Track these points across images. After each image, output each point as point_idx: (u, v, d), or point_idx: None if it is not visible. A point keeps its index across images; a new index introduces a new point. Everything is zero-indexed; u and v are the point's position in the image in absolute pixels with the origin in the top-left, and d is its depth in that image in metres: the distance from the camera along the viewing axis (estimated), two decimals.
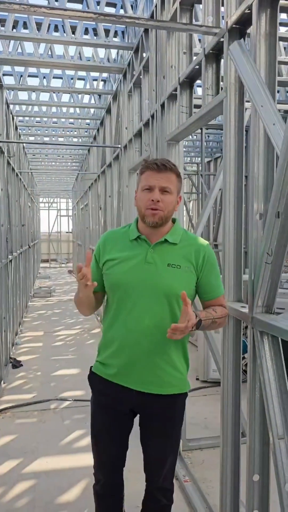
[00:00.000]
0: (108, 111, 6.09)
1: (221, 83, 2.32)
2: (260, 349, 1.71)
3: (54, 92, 6.16)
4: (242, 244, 2.04)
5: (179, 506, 2.53)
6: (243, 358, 2.35)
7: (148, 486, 1.91)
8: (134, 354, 1.70)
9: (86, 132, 8.70)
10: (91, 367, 1.88)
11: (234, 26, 1.95)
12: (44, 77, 5.72)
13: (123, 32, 4.59)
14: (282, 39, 3.31)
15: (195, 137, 8.34)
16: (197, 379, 4.58)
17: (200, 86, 4.71)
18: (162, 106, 3.13)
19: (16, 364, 5.25)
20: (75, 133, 8.76)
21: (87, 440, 3.38)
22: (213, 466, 2.92)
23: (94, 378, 1.84)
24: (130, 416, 1.83)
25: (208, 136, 8.54)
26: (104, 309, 1.88)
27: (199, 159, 9.35)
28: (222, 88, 2.28)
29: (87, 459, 3.07)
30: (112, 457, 1.86)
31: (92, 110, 7.42)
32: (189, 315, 1.51)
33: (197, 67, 2.48)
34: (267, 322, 1.66)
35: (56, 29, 4.42)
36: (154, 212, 1.65)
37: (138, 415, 1.86)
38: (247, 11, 1.82)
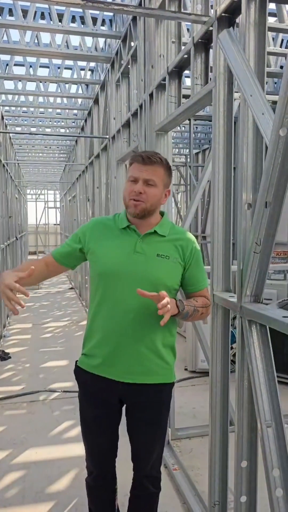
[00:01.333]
0: (96, 101, 6.03)
1: (210, 73, 2.31)
2: (249, 338, 1.72)
3: (41, 82, 6.07)
4: (231, 234, 2.05)
5: (168, 493, 2.56)
6: (231, 348, 2.39)
7: (136, 475, 1.92)
8: (120, 343, 1.71)
9: (74, 122, 8.61)
10: (77, 361, 1.88)
11: (223, 14, 1.93)
12: (30, 66, 5.63)
13: (110, 21, 4.53)
14: (271, 29, 3.30)
15: (183, 128, 8.33)
16: (186, 369, 4.62)
17: (188, 77, 4.70)
18: (151, 96, 3.10)
19: (5, 356, 5.23)
20: (63, 123, 8.67)
21: (77, 431, 3.41)
22: (201, 454, 2.96)
23: (79, 372, 1.84)
24: (118, 406, 1.83)
25: (197, 127, 8.53)
26: (90, 298, 1.87)
27: (187, 150, 9.34)
28: (211, 78, 2.28)
29: (77, 449, 3.10)
30: (103, 448, 1.86)
31: (79, 100, 7.34)
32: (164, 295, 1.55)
33: (186, 56, 2.46)
34: (255, 311, 1.68)
35: (42, 16, 4.35)
36: (136, 203, 1.67)
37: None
38: None
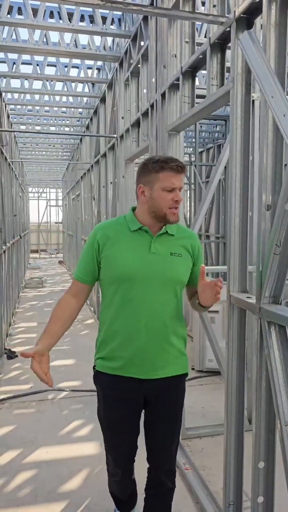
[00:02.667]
0: (103, 100, 6.03)
1: (226, 73, 2.31)
2: (268, 339, 1.72)
3: (47, 80, 6.07)
4: (247, 235, 2.05)
5: (180, 493, 2.56)
6: None
7: (153, 471, 1.97)
8: (143, 343, 1.75)
9: (78, 121, 8.61)
10: (94, 366, 1.90)
11: (242, 15, 1.93)
12: (37, 65, 5.62)
13: (119, 20, 4.52)
14: None
15: (188, 127, 8.31)
16: (193, 368, 4.62)
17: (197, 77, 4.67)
18: (163, 95, 3.10)
19: (11, 355, 5.23)
20: (67, 122, 8.67)
21: (87, 430, 3.42)
22: (213, 454, 2.97)
23: (100, 377, 1.87)
24: (142, 404, 1.87)
25: (201, 126, 8.53)
26: (104, 301, 1.87)
27: (191, 149, 9.31)
28: (227, 78, 2.28)
29: (87, 449, 3.12)
30: (129, 449, 1.91)
31: (85, 99, 7.33)
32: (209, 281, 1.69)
33: (201, 56, 2.46)
34: (274, 312, 1.68)
35: (51, 15, 4.35)
36: (175, 211, 1.75)
37: None
38: (256, 0, 1.80)
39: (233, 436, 2.12)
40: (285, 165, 1.73)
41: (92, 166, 7.36)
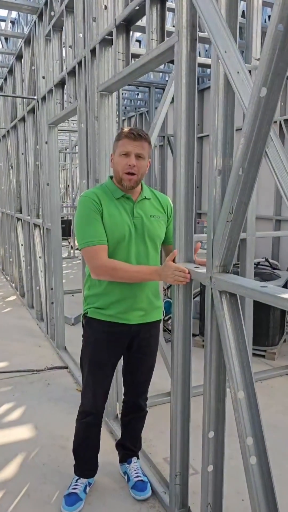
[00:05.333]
0: (19, 57, 5.50)
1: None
2: (219, 309, 1.68)
3: None
4: (193, 203, 1.96)
5: None
6: (169, 318, 2.59)
7: (133, 400, 2.36)
8: (136, 296, 2.07)
9: None
10: (84, 314, 2.16)
11: None
12: None
13: None
14: None
15: None
16: None
17: None
18: (93, 52, 2.85)
19: None
20: None
21: (18, 413, 3.22)
22: (151, 425, 2.95)
23: (92, 323, 2.12)
24: (125, 348, 2.18)
25: (123, 93, 8.28)
26: None
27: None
28: (168, 33, 2.12)
29: (21, 433, 2.94)
30: (108, 388, 2.23)
31: None
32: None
33: (137, 8, 2.26)
34: (226, 281, 1.62)
35: None
36: (130, 177, 1.98)
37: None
38: None
39: (179, 408, 2.08)
40: (236, 130, 1.65)
41: (8, 131, 6.78)
